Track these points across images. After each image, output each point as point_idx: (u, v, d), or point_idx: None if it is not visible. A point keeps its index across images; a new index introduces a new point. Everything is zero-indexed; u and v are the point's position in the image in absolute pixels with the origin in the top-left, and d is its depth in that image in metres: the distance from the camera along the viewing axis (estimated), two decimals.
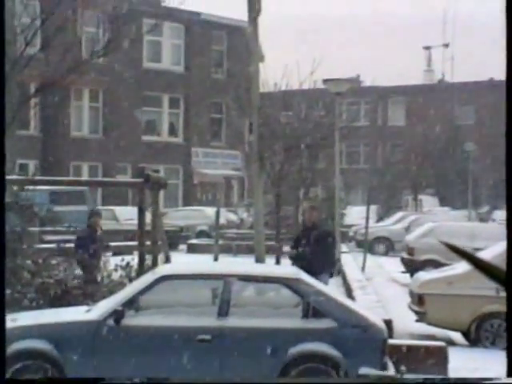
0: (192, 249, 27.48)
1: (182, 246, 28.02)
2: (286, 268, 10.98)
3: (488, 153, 43.59)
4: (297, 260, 11.69)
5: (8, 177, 12.77)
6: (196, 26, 40.26)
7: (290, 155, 20.34)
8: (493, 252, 12.47)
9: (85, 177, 35.71)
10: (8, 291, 11.13)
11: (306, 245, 11.73)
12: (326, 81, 20.68)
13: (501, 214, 37.52)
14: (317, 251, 11.55)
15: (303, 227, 12.77)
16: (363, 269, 20.53)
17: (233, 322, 8.13)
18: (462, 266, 12.02)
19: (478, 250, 13.65)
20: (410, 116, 56.29)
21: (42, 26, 12.51)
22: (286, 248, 19.91)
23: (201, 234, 31.93)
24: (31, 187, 12.93)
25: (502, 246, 12.35)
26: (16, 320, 8.44)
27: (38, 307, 10.48)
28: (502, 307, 11.41)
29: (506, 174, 2.48)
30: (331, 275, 12.01)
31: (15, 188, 12.44)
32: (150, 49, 39.48)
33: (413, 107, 55.90)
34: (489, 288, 10.91)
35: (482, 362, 10.67)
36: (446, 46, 58.96)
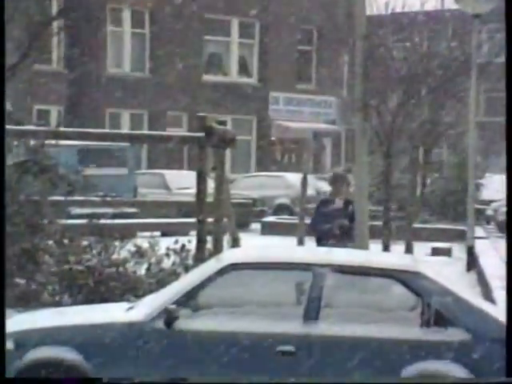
0: (268, 229, 27.64)
1: (255, 225, 28.21)
2: (401, 257, 10.93)
3: None
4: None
5: (23, 127, 12.98)
6: None
7: (406, 103, 20.17)
8: None
9: (126, 129, 36.15)
10: (23, 281, 11.35)
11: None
12: None
13: None
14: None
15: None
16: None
17: (325, 328, 8.16)
18: None
19: None
20: None
21: None
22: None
23: (280, 208, 32.07)
24: (54, 142, 13.11)
25: None
26: (34, 320, 8.62)
27: (63, 303, 10.69)
28: None
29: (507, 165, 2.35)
30: None
31: (33, 143, 12.58)
32: None
33: None
34: None
35: None
36: None
